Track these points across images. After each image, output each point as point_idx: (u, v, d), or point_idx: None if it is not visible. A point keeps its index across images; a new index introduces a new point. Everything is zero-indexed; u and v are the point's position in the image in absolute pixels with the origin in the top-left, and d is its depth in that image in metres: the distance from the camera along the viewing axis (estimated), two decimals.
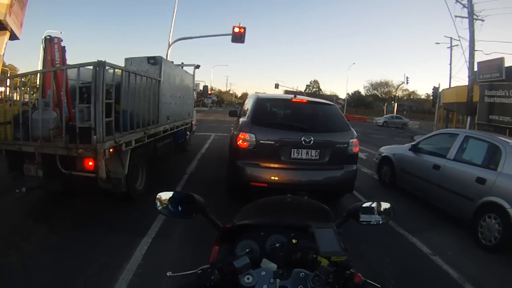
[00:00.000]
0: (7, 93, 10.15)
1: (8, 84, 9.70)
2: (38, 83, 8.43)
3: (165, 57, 14.28)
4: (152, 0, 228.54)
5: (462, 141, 9.29)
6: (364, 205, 2.45)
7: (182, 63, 16.05)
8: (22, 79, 8.71)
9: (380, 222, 2.44)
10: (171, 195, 2.39)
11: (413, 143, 11.74)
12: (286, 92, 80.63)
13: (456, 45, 39.94)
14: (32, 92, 8.44)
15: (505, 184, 7.42)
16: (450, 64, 44.73)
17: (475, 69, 27.19)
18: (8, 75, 19.93)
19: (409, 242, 7.58)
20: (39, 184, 7.75)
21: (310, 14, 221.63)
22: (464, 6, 27.19)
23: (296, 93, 17.05)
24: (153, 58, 10.59)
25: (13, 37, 18.13)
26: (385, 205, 2.47)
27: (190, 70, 16.47)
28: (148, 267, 5.62)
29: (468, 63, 27.09)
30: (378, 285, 1.84)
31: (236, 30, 22.51)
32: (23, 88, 8.73)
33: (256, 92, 12.71)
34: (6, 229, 6.73)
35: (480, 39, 42.72)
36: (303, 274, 1.83)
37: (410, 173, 10.97)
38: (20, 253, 5.81)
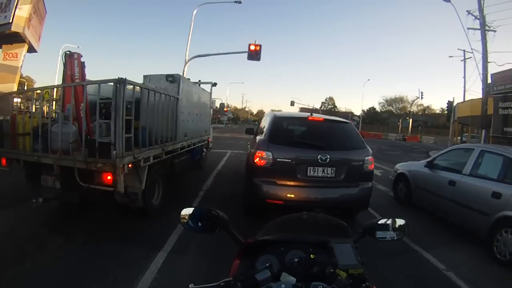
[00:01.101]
0: (26, 105, 10.29)
1: (27, 96, 9.83)
2: (55, 96, 8.56)
3: (181, 74, 14.40)
4: (169, 16, 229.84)
5: (478, 155, 9.19)
6: (380, 222, 2.50)
7: (199, 80, 16.12)
8: (39, 92, 8.87)
9: (395, 238, 2.49)
10: (193, 211, 2.47)
11: (428, 159, 11.61)
12: (302, 109, 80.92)
13: (469, 58, 40.14)
14: (49, 105, 8.54)
15: None
16: (464, 77, 44.69)
17: (489, 81, 27.06)
18: (26, 87, 20.12)
19: (423, 258, 7.56)
20: (56, 195, 7.86)
21: (325, 31, 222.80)
22: (476, 17, 27.25)
23: (312, 110, 17.08)
24: (172, 76, 10.69)
25: (31, 49, 18.36)
26: (400, 222, 2.52)
27: (207, 87, 16.57)
28: (163, 281, 5.65)
29: (481, 75, 26.96)
30: None
31: (252, 47, 22.66)
32: (42, 101, 8.88)
33: (272, 110, 12.85)
34: (22, 237, 6.87)
35: (492, 50, 42.77)
36: (321, 287, 1.86)
37: (425, 189, 10.86)
38: (35, 261, 5.92)
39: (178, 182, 11.98)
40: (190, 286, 1.90)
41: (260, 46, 22.75)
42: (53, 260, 6.04)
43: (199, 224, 2.45)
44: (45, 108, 8.94)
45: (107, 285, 5.40)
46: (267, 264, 2.16)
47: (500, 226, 7.52)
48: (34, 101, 9.27)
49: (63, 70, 8.19)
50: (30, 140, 7.84)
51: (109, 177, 7.27)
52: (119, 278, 5.62)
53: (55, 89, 8.63)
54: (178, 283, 4.14)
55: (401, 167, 12.87)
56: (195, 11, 27.21)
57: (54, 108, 8.66)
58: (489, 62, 26.77)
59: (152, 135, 8.79)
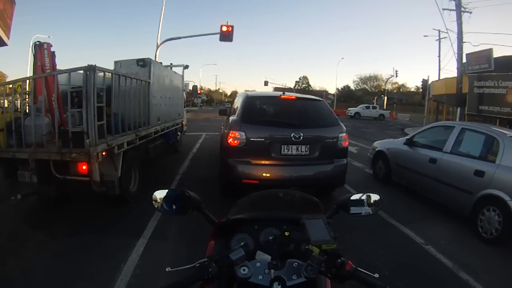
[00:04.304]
0: None
1: None
2: (28, 89, 8.45)
3: (153, 58, 14.30)
4: (140, 1, 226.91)
5: (458, 133, 9.23)
6: (353, 197, 2.50)
7: (171, 64, 16.03)
8: (11, 86, 8.74)
9: (371, 213, 2.49)
10: (166, 193, 2.45)
11: (407, 137, 11.63)
12: (276, 89, 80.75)
13: (444, 38, 40.02)
14: (22, 98, 8.42)
15: (504, 176, 7.38)
16: (439, 56, 44.72)
17: (464, 60, 27.24)
18: None
19: (402, 233, 7.67)
20: (34, 190, 7.75)
21: (298, 10, 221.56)
22: None
23: (286, 90, 17.07)
24: (142, 60, 10.61)
25: (1, 43, 17.98)
26: (374, 197, 2.52)
27: (179, 70, 16.47)
28: (145, 267, 5.67)
29: (456, 55, 27.15)
30: (369, 273, 1.88)
31: (224, 28, 22.41)
32: (14, 95, 8.75)
33: (245, 90, 12.81)
34: (4, 236, 6.76)
35: (468, 31, 42.82)
36: (296, 264, 1.88)
37: (405, 167, 10.89)
38: (19, 259, 5.84)
39: (154, 167, 11.95)
40: (167, 269, 1.91)
41: (232, 27, 22.55)
42: (36, 257, 5.98)
43: (173, 206, 2.45)
44: (18, 102, 8.82)
45: (91, 277, 5.40)
46: (242, 243, 2.17)
47: (484, 204, 7.59)
48: (7, 96, 9.11)
49: (33, 62, 8.10)
50: (4, 136, 7.66)
51: (84, 167, 7.24)
52: (102, 268, 5.62)
53: (27, 81, 8.51)
54: (160, 269, 4.23)
55: (379, 144, 12.88)
56: None
57: (27, 101, 8.53)
58: (464, 42, 27.01)
59: (125, 121, 8.76)
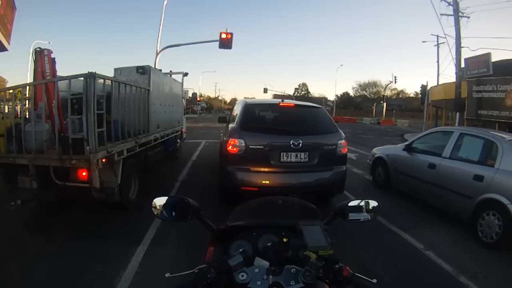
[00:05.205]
0: None
1: None
2: (28, 95, 8.47)
3: (153, 65, 14.31)
4: (140, 8, 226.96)
5: (457, 138, 9.20)
6: (351, 203, 2.50)
7: (171, 71, 16.05)
8: (11, 92, 8.76)
9: (369, 219, 2.50)
10: (165, 200, 2.45)
11: (406, 143, 11.61)
12: (275, 96, 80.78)
13: (442, 43, 40.11)
14: (22, 104, 8.44)
15: (504, 180, 7.37)
16: (438, 61, 44.90)
17: (462, 65, 27.23)
18: None
19: (402, 238, 7.67)
20: (34, 196, 7.78)
21: (296, 17, 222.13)
22: (449, 4, 27.26)
23: (285, 97, 17.06)
24: (142, 67, 10.62)
25: (1, 48, 17.92)
26: (372, 203, 2.53)
27: (178, 78, 16.48)
28: (145, 274, 5.67)
29: (455, 60, 27.19)
30: (366, 278, 1.90)
31: (223, 36, 22.47)
32: (14, 101, 8.77)
33: (244, 97, 12.83)
34: (4, 241, 6.76)
35: (466, 36, 42.81)
36: (294, 270, 1.89)
37: (405, 173, 10.85)
38: (19, 264, 5.84)
39: (154, 174, 11.91)
40: (166, 275, 1.94)
41: (232, 34, 22.62)
42: (36, 262, 5.97)
43: (173, 213, 2.44)
44: (18, 108, 8.84)
45: (90, 283, 5.41)
46: (240, 250, 2.18)
47: (484, 209, 7.58)
48: (7, 101, 9.12)
49: (34, 68, 8.11)
50: (4, 142, 7.69)
51: (84, 173, 7.26)
52: (101, 275, 5.62)
53: (28, 87, 8.54)
54: (160, 276, 4.20)
55: (378, 151, 12.85)
56: (165, 2, 26.93)
57: (27, 107, 8.55)
58: (462, 47, 27.09)
59: (125, 128, 8.79)
